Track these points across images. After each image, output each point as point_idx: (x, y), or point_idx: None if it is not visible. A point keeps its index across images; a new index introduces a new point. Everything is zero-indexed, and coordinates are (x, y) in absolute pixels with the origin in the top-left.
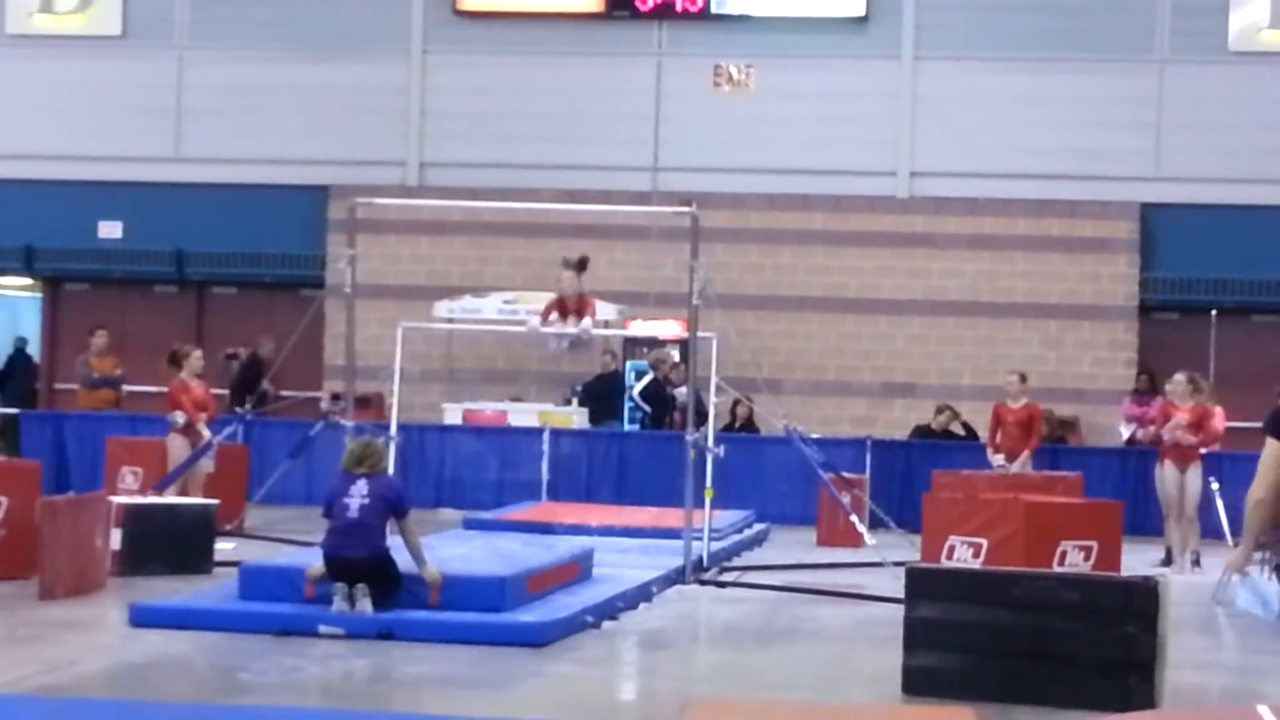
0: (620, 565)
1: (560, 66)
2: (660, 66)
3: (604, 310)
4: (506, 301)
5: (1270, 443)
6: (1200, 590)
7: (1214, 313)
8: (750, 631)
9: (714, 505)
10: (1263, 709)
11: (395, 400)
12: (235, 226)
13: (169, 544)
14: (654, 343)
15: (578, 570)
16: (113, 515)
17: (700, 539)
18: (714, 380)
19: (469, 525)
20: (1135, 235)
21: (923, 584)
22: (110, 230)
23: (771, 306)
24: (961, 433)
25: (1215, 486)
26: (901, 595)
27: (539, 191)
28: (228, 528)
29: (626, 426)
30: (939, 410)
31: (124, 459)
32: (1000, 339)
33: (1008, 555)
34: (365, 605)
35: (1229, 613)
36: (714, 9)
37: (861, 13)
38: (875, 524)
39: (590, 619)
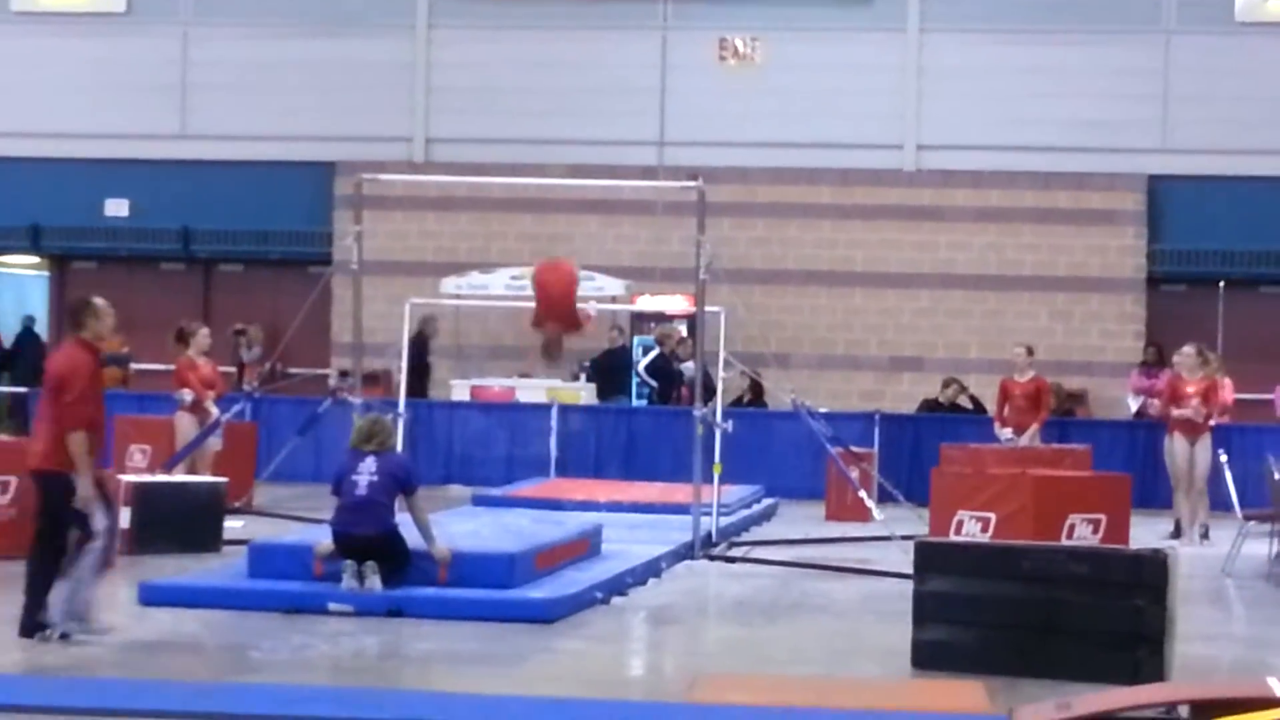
0: (629, 541)
1: (566, 41)
2: (666, 40)
3: (611, 285)
4: (514, 277)
5: None
6: (1209, 562)
7: (1222, 284)
8: (759, 606)
9: (722, 480)
10: (1272, 680)
11: (403, 377)
12: (242, 203)
13: (178, 522)
14: (661, 318)
15: (587, 546)
16: (121, 494)
17: (709, 514)
18: (722, 355)
19: (478, 502)
20: (1142, 207)
21: (931, 558)
22: (117, 208)
23: (778, 281)
24: (969, 406)
25: (1224, 459)
26: (910, 570)
27: (545, 167)
28: (236, 506)
29: (634, 402)
30: (946, 384)
31: (132, 437)
32: (1008, 312)
33: (1016, 529)
34: (374, 582)
35: (1238, 584)
36: None
37: None
38: (883, 498)
39: (599, 595)
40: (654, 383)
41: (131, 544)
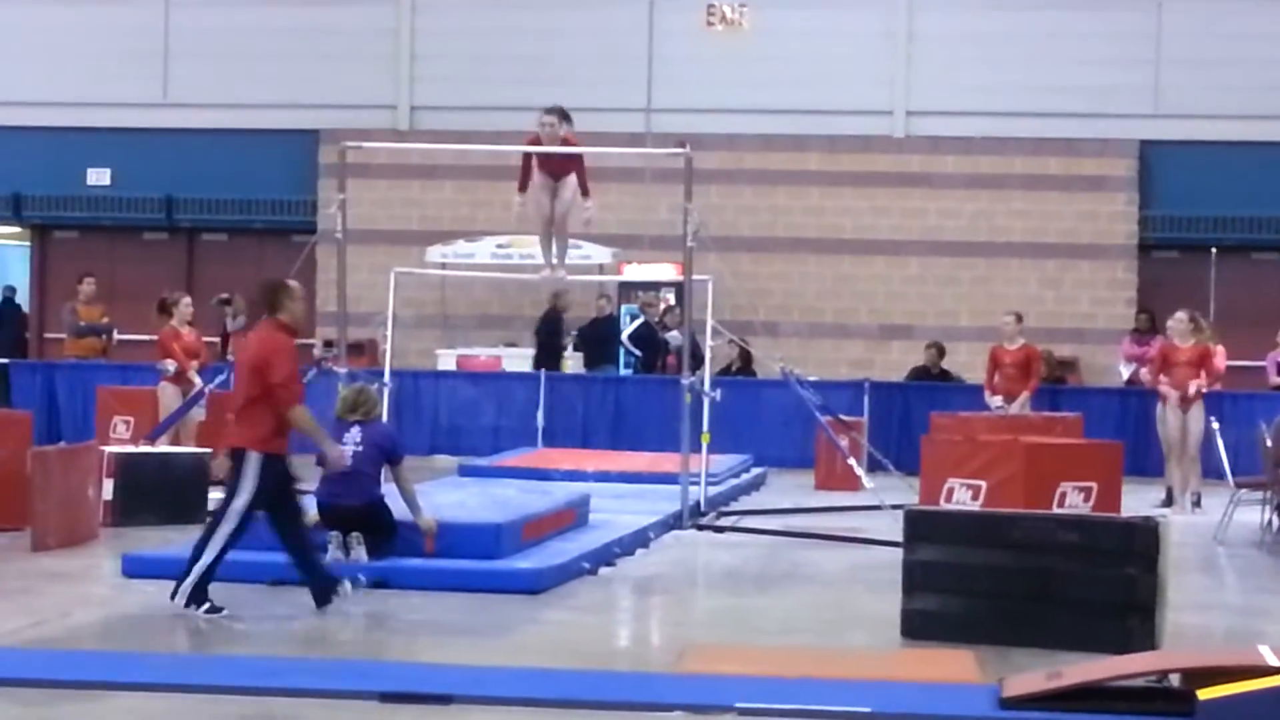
0: (617, 511)
1: (551, 7)
2: (653, 6)
3: (598, 253)
4: (500, 246)
5: None
6: (1201, 530)
7: (1214, 251)
8: (748, 576)
9: (711, 450)
10: (1264, 649)
11: (389, 346)
12: (225, 172)
13: (161, 494)
14: (649, 286)
15: (574, 516)
16: (104, 465)
17: (697, 484)
18: (709, 323)
19: (464, 472)
20: (1134, 173)
21: (922, 527)
22: (99, 177)
23: (767, 248)
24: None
25: (1216, 426)
26: (900, 538)
27: (531, 134)
28: (220, 477)
29: (621, 371)
30: (927, 346)
31: (115, 408)
32: (998, 279)
33: (1007, 497)
34: (360, 553)
35: (1230, 553)
36: None
37: None
38: (873, 467)
39: (587, 565)
40: (638, 352)
41: (115, 516)
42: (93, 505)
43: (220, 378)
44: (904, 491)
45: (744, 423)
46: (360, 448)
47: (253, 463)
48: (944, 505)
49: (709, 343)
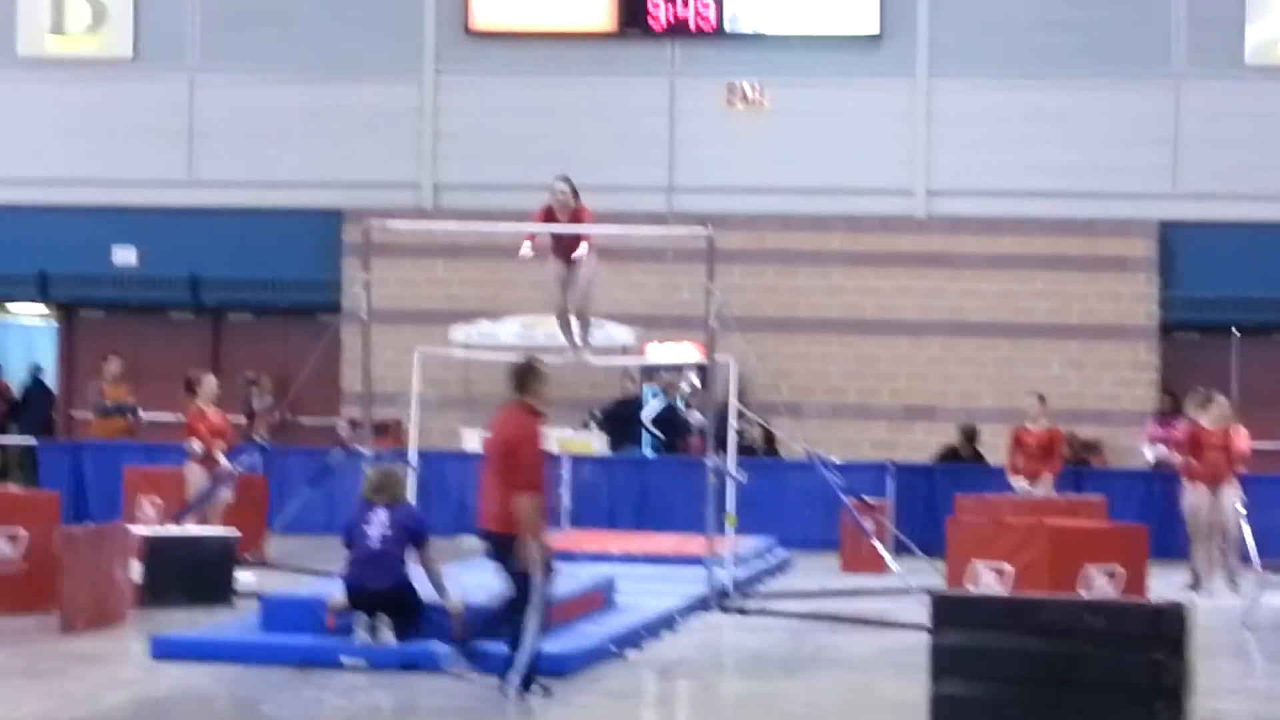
0: (643, 593)
1: (573, 86)
2: (674, 85)
3: (621, 334)
4: (524, 325)
5: None
6: (1228, 615)
7: (1235, 331)
8: (775, 660)
9: (736, 531)
10: None
11: (414, 427)
12: (250, 251)
13: (189, 575)
14: (671, 367)
15: (600, 599)
16: (132, 546)
17: (723, 566)
18: (733, 404)
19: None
20: (1154, 253)
21: (948, 610)
22: (125, 256)
23: (789, 329)
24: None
25: (1243, 511)
26: (927, 622)
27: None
28: (248, 558)
29: (646, 452)
30: (959, 429)
31: (142, 488)
32: (1020, 360)
33: (1033, 580)
34: (387, 636)
35: (1259, 637)
36: (727, 27)
37: (875, 30)
38: (899, 549)
39: (614, 648)
40: (660, 433)
41: (143, 597)
42: (121, 586)
43: (247, 459)
44: (930, 574)
45: (769, 504)
46: (387, 529)
47: (529, 547)
48: (970, 589)
49: (732, 423)
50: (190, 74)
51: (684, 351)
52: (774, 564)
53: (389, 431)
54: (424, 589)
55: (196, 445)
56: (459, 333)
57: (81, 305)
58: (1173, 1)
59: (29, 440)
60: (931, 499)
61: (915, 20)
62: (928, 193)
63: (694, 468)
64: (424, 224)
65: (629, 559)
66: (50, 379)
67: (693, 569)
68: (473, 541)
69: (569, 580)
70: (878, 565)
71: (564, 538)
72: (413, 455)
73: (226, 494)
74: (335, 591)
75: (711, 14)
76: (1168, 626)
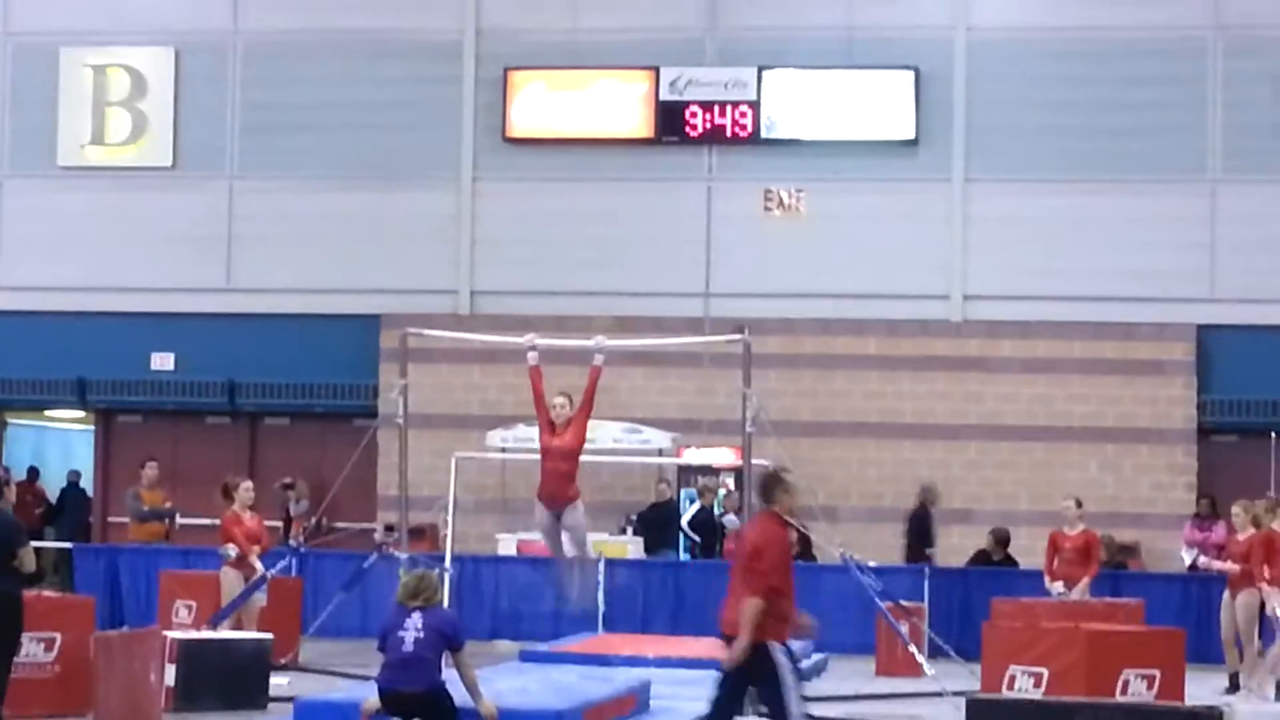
0: (678, 697)
1: (611, 192)
2: (711, 191)
3: (657, 438)
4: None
5: None
6: (1266, 718)
7: (1274, 435)
8: None
9: None
10: None
11: (450, 531)
12: (287, 356)
13: (224, 679)
14: (708, 471)
15: (635, 702)
16: (167, 650)
17: None
18: None
19: (525, 657)
20: (1191, 357)
21: (984, 714)
22: (162, 362)
23: (826, 433)
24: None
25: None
26: None
27: (592, 319)
28: (282, 662)
29: (681, 556)
30: (990, 533)
31: (177, 592)
32: (1057, 463)
33: (1069, 684)
34: None
35: None
36: (764, 134)
37: (911, 136)
38: (935, 653)
39: None
40: (697, 537)
41: (177, 701)
42: (155, 691)
43: (282, 563)
44: (965, 678)
45: (804, 608)
46: (421, 634)
47: (778, 653)
48: (1006, 693)
49: None
50: (229, 181)
51: (720, 456)
52: (809, 668)
53: (425, 535)
54: (458, 693)
55: (232, 550)
56: (495, 437)
57: (119, 410)
58: (1209, 106)
59: (65, 544)
60: (967, 603)
61: (951, 125)
62: (964, 297)
63: (729, 572)
64: (459, 335)
65: (664, 663)
66: (87, 483)
67: None
68: (506, 645)
69: (604, 683)
70: (913, 669)
71: (598, 641)
72: (449, 559)
73: (261, 598)
74: (369, 695)
75: (749, 120)
76: None
